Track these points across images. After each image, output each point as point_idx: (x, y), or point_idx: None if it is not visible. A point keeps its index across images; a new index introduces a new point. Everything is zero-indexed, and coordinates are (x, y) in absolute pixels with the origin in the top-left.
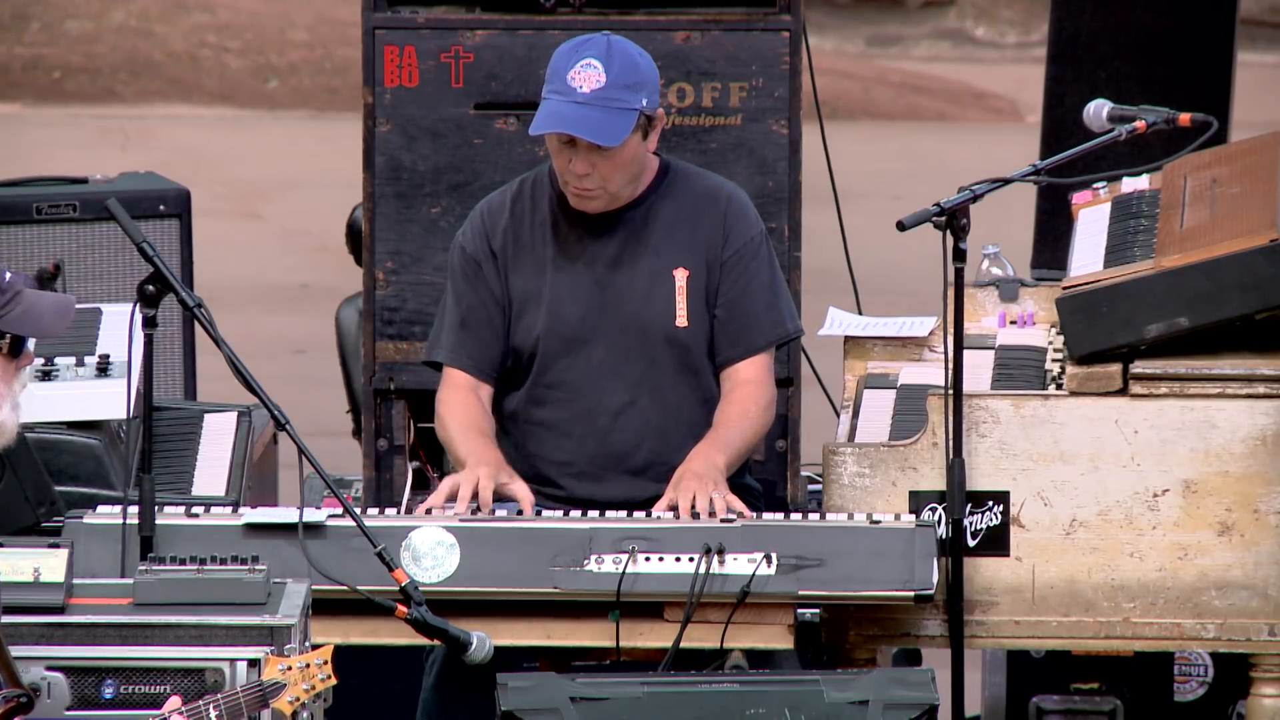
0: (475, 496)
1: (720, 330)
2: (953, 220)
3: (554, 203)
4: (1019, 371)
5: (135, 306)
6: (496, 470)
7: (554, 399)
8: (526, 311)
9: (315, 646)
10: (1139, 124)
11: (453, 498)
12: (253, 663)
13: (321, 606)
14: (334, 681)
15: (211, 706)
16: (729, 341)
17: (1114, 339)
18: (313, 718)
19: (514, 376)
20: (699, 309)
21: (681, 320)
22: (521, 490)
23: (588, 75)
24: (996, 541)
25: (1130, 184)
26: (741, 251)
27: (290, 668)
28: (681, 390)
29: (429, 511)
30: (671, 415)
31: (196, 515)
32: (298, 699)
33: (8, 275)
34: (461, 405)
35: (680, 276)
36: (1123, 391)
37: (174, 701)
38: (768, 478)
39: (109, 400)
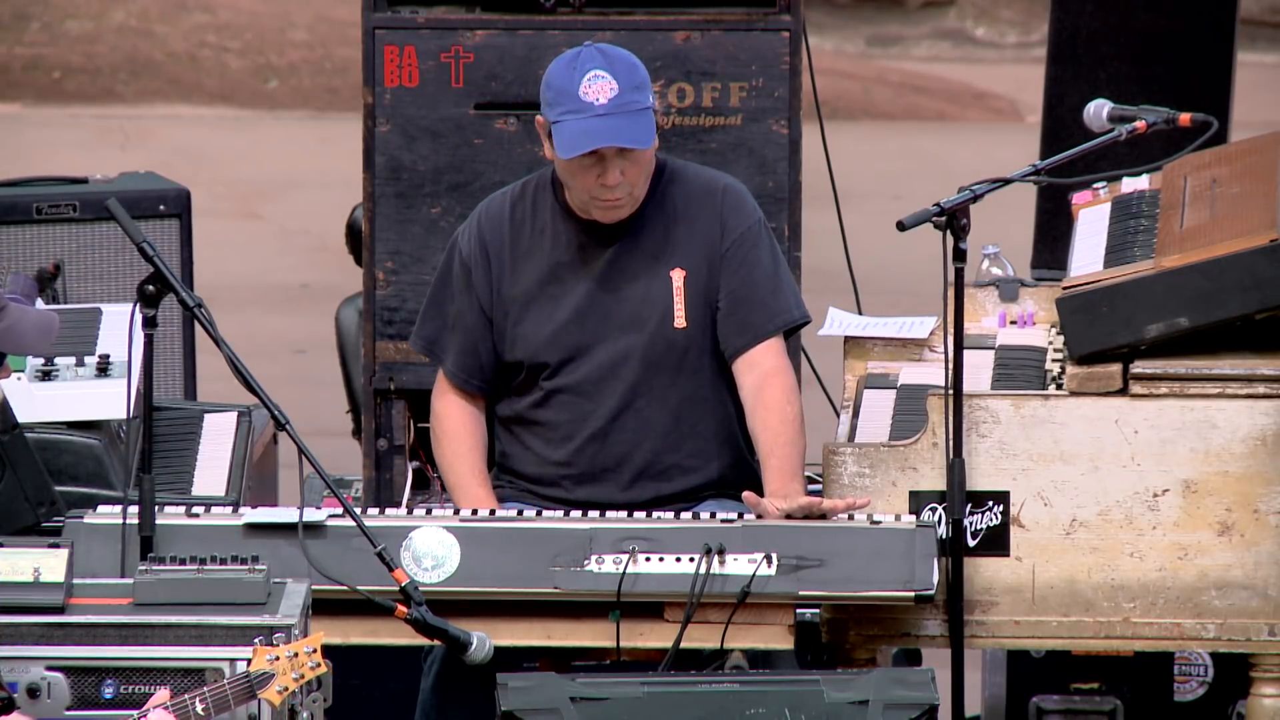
0: None
1: (725, 320)
2: (953, 220)
3: (554, 209)
4: (1019, 371)
5: (135, 306)
6: None
7: (555, 403)
8: (526, 318)
9: None
10: (1139, 124)
11: None
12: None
13: (321, 606)
14: (325, 669)
15: (197, 700)
16: (736, 330)
17: (1114, 339)
18: (312, 717)
19: (515, 383)
20: (698, 309)
21: (680, 321)
22: None
23: (600, 86)
24: (996, 541)
25: (1130, 184)
26: (740, 241)
27: (278, 658)
28: (681, 391)
29: None
30: (671, 417)
31: (196, 515)
32: (286, 688)
33: None
34: (456, 428)
35: (677, 277)
36: (1123, 391)
37: (161, 695)
38: None
39: (109, 400)
